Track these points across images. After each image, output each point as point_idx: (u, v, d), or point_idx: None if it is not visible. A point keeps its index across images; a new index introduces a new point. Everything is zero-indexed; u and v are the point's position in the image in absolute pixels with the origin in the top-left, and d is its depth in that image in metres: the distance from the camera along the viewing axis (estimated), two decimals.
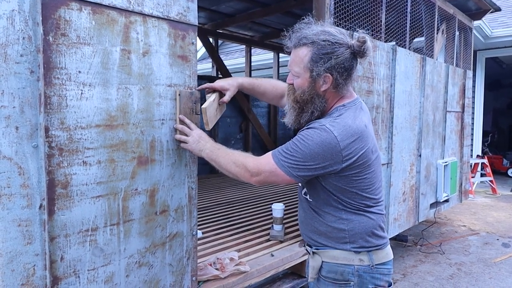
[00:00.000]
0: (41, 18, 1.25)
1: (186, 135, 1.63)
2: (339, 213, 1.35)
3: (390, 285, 1.39)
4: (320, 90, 1.33)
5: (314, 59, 1.29)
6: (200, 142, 1.57)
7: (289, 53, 1.40)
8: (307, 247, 1.49)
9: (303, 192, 1.47)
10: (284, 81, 1.50)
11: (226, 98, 1.71)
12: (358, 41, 1.28)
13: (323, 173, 1.30)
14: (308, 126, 1.32)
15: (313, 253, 1.43)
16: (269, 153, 1.37)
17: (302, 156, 1.27)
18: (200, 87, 1.75)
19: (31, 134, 1.25)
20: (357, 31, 1.35)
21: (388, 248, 1.42)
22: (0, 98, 1.18)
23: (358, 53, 1.30)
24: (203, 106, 1.62)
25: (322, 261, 1.39)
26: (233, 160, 1.43)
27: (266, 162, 1.35)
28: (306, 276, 1.49)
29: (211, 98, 1.68)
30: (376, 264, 1.36)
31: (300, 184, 1.49)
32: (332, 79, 1.30)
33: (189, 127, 1.63)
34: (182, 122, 1.66)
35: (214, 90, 1.74)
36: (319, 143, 1.25)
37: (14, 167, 1.22)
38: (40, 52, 1.25)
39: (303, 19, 1.39)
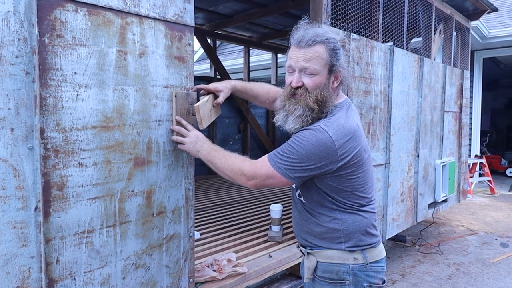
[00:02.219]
0: (36, 19, 1.25)
1: (183, 136, 1.62)
2: (334, 213, 1.36)
3: (384, 282, 1.41)
4: (332, 86, 1.37)
5: (331, 55, 1.33)
6: (198, 143, 1.56)
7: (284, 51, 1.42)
8: (301, 248, 1.50)
9: (297, 194, 1.48)
10: (283, 82, 1.48)
11: (220, 99, 1.72)
12: (341, 42, 1.38)
13: (319, 173, 1.30)
14: (303, 128, 1.33)
15: (308, 253, 1.44)
16: (265, 156, 1.37)
17: (298, 157, 1.27)
18: (194, 88, 1.75)
19: (26, 135, 1.25)
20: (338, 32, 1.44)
21: (381, 246, 1.44)
22: None
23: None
24: (195, 105, 1.63)
25: (317, 261, 1.40)
26: (229, 163, 1.43)
27: (262, 165, 1.35)
28: (302, 277, 1.49)
29: (205, 98, 1.69)
30: (370, 262, 1.38)
31: (294, 186, 1.49)
32: (341, 75, 1.36)
33: (186, 128, 1.63)
34: (179, 123, 1.66)
35: (208, 92, 1.74)
36: (314, 144, 1.26)
37: (9, 169, 1.22)
38: (36, 53, 1.25)
39: (304, 18, 1.41)
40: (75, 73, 1.36)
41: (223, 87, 1.72)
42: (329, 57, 1.33)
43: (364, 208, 1.38)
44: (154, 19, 1.60)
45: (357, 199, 1.37)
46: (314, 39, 1.31)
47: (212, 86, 1.72)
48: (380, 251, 1.42)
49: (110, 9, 1.45)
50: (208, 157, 1.50)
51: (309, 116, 1.33)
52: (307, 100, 1.32)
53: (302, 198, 1.44)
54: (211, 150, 1.51)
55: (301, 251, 1.51)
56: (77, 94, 1.37)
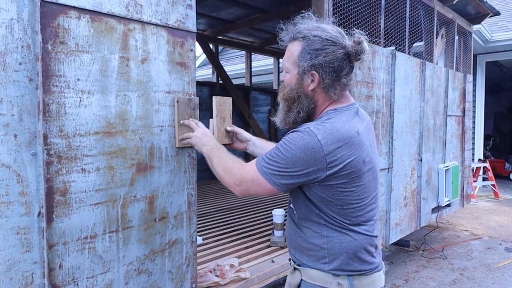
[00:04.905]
0: (40, 27, 1.26)
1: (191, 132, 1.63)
2: (320, 228, 1.23)
3: None
4: (308, 89, 1.25)
5: (302, 55, 1.23)
6: (204, 138, 1.54)
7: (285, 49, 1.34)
8: (291, 261, 1.37)
9: (290, 203, 1.38)
10: None
11: (230, 127, 1.72)
12: (354, 42, 1.21)
13: (307, 181, 1.18)
14: (293, 130, 1.21)
15: (294, 268, 1.31)
16: (254, 160, 1.26)
17: (285, 161, 1.16)
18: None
19: (29, 141, 1.26)
20: (353, 32, 1.26)
21: (377, 275, 1.26)
22: None
23: (351, 54, 1.22)
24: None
25: (301, 279, 1.27)
26: (223, 163, 1.34)
27: (249, 170, 1.23)
28: None
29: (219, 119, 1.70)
30: None
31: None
32: (319, 78, 1.22)
33: (196, 124, 1.63)
34: (187, 126, 1.68)
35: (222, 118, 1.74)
36: (301, 147, 1.14)
37: (12, 174, 1.22)
38: (39, 60, 1.26)
39: (303, 13, 1.33)
40: (78, 79, 1.37)
41: (242, 131, 1.73)
42: (298, 56, 1.24)
43: (356, 228, 1.22)
44: (156, 25, 1.61)
45: (348, 216, 1.21)
46: (293, 36, 1.27)
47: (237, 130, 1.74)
48: (373, 281, 1.24)
49: (112, 15, 1.46)
50: (209, 153, 1.44)
51: (282, 110, 1.31)
52: (279, 95, 1.34)
53: (293, 208, 1.32)
54: (214, 148, 1.45)
55: (290, 264, 1.38)
56: (80, 100, 1.38)
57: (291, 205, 1.34)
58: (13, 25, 1.21)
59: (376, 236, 1.28)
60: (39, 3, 1.25)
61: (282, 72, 1.36)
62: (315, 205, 1.22)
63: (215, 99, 1.72)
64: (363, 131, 1.23)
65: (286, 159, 1.16)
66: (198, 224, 3.13)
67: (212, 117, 1.72)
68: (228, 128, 1.72)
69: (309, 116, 1.30)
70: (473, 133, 7.99)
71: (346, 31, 2.76)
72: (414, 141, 3.74)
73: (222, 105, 1.73)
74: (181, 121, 1.67)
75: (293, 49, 1.26)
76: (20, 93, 1.23)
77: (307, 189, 1.22)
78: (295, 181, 1.18)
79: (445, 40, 4.55)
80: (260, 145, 1.68)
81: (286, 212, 3.01)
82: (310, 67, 1.22)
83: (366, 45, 1.22)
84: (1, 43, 1.19)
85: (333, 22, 1.30)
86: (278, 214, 2.88)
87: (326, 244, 1.22)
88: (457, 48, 4.84)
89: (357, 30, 1.26)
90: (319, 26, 1.25)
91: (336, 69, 1.21)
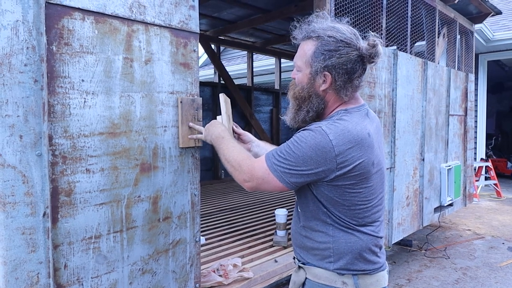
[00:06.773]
0: (44, 28, 1.27)
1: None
2: (326, 228, 1.23)
3: None
4: (319, 89, 1.25)
5: (316, 55, 1.22)
6: (209, 129, 1.54)
7: (297, 46, 1.33)
8: (296, 260, 1.38)
9: (296, 203, 1.38)
10: (286, 87, 1.47)
11: (236, 128, 1.71)
12: (368, 44, 1.21)
13: (316, 180, 1.18)
14: (304, 128, 1.21)
15: (299, 267, 1.32)
16: (263, 156, 1.25)
17: (295, 160, 1.16)
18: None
19: (35, 142, 1.26)
20: (368, 34, 1.25)
21: (381, 275, 1.27)
22: (4, 107, 1.20)
23: (365, 57, 1.22)
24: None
25: (306, 278, 1.28)
26: (231, 158, 1.32)
27: (259, 166, 1.23)
28: None
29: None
30: None
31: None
32: (331, 79, 1.22)
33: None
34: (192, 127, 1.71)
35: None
36: (312, 146, 1.14)
37: (18, 175, 1.23)
38: (44, 61, 1.27)
39: (318, 11, 1.33)
40: (83, 80, 1.38)
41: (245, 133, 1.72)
42: (312, 56, 1.23)
43: (362, 229, 1.22)
44: (160, 26, 1.62)
45: (355, 217, 1.21)
46: (307, 35, 1.26)
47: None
48: (377, 280, 1.25)
49: (116, 17, 1.47)
50: (216, 142, 1.45)
51: (292, 108, 1.32)
52: (290, 93, 1.33)
53: (299, 206, 1.32)
54: (219, 137, 1.45)
55: (295, 263, 1.39)
56: (85, 101, 1.39)
57: (298, 204, 1.34)
58: (18, 27, 1.22)
59: (381, 237, 1.28)
60: (44, 5, 1.26)
61: (293, 70, 1.34)
62: (322, 204, 1.22)
63: (222, 96, 1.72)
64: (373, 133, 1.23)
65: (297, 157, 1.15)
66: (201, 224, 3.14)
67: (217, 116, 1.73)
68: (235, 128, 1.71)
69: (319, 116, 1.30)
70: (475, 132, 7.98)
71: None
72: (416, 141, 3.74)
73: (227, 103, 1.74)
74: (190, 124, 1.70)
75: (306, 48, 1.25)
76: (25, 94, 1.24)
77: (315, 188, 1.21)
78: (304, 180, 1.18)
79: (446, 39, 4.55)
80: (265, 147, 1.67)
81: (289, 212, 3.03)
82: (323, 68, 1.21)
83: (380, 48, 1.22)
84: (6, 45, 1.19)
85: (347, 22, 1.28)
86: (281, 214, 2.88)
87: (332, 243, 1.23)
88: (459, 48, 4.83)
89: (372, 33, 1.24)
90: (334, 26, 1.24)
91: (349, 71, 1.21)
